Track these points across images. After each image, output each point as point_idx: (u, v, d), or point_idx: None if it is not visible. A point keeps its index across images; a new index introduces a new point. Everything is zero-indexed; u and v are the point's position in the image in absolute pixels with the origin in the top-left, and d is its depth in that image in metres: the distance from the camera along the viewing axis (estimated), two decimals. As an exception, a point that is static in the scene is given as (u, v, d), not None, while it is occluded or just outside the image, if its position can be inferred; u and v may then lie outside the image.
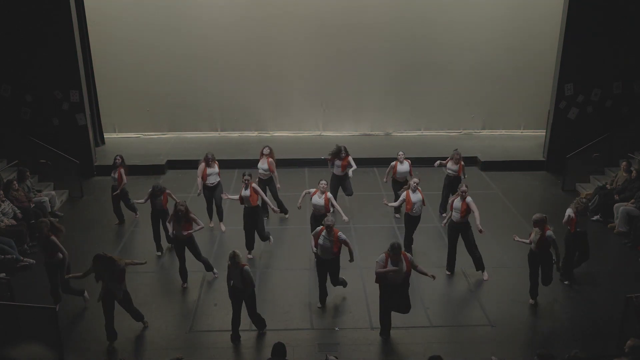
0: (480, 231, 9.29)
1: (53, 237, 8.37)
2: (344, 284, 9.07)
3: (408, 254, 7.93)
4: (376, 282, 7.87)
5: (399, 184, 11.16)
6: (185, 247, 9.26)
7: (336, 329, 8.35)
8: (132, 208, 11.72)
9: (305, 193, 10.14)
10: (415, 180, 9.97)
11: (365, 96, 16.68)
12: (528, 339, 8.17)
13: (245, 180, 10.12)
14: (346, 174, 11.59)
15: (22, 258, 9.94)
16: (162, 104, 16.51)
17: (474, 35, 16.13)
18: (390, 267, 7.63)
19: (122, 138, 16.60)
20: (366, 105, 16.80)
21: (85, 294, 8.81)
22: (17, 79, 13.40)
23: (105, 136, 16.21)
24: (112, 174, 11.43)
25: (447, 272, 9.74)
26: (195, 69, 16.18)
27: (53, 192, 12.31)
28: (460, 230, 9.53)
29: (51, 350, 7.42)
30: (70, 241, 10.92)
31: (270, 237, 10.58)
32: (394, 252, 7.60)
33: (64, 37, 13.21)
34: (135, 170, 14.28)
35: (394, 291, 7.86)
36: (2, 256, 9.67)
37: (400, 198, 10.09)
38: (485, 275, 9.61)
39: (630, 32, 13.54)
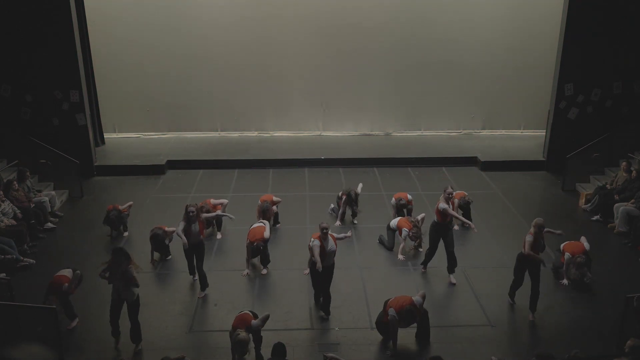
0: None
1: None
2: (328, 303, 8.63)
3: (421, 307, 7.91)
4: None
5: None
6: (194, 254, 9.04)
7: (336, 329, 8.35)
8: (125, 225, 11.33)
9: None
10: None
11: (365, 96, 16.68)
12: (528, 339, 8.17)
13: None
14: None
15: (22, 258, 9.93)
16: (162, 104, 16.51)
17: (474, 35, 16.14)
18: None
19: (122, 138, 16.60)
20: (366, 105, 16.80)
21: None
22: (17, 79, 13.39)
23: (105, 136, 16.20)
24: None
25: (423, 270, 9.82)
26: (195, 69, 16.18)
27: (53, 192, 12.30)
28: (447, 230, 9.50)
29: (51, 350, 7.42)
30: (70, 241, 10.99)
31: (268, 266, 10.02)
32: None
33: (64, 37, 13.20)
34: (135, 170, 14.35)
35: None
36: (2, 256, 9.67)
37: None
38: (453, 279, 9.51)
39: (630, 32, 13.53)
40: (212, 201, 11.11)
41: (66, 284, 8.30)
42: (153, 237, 10.13)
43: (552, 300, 8.95)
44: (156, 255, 10.27)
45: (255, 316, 7.60)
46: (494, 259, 10.28)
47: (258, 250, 9.67)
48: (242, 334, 7.13)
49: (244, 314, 7.57)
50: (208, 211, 10.37)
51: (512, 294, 8.84)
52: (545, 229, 8.38)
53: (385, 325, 7.86)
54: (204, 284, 9.20)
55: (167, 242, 10.27)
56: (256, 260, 10.02)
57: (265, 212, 10.78)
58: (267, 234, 9.75)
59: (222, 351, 7.82)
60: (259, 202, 11.06)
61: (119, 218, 11.04)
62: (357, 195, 11.58)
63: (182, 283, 9.52)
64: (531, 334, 8.28)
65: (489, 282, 9.52)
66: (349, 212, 11.71)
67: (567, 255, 9.37)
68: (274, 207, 11.31)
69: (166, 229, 10.31)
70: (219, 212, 10.63)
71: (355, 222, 11.66)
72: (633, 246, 10.64)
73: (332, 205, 12.04)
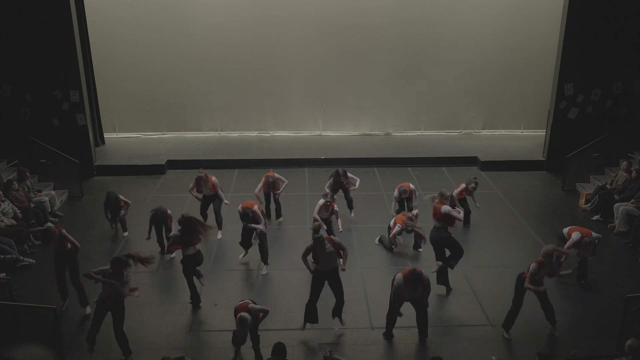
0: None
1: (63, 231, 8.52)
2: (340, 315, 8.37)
3: (426, 275, 7.86)
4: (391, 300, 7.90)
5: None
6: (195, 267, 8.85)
7: (336, 329, 8.35)
8: (124, 225, 11.33)
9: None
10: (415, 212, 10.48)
11: (365, 96, 16.69)
12: (528, 339, 8.16)
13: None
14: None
15: (22, 258, 9.94)
16: (162, 104, 16.52)
17: (474, 35, 16.14)
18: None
19: (122, 138, 16.62)
20: (366, 105, 16.81)
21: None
22: (17, 79, 13.40)
23: (105, 136, 16.22)
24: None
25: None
26: (195, 69, 16.19)
27: (53, 192, 12.31)
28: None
29: (51, 350, 7.42)
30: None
31: (267, 267, 10.03)
32: (413, 278, 7.62)
33: (64, 37, 13.21)
34: (135, 170, 14.36)
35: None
36: (2, 256, 9.68)
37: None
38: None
39: (630, 31, 13.54)
40: (213, 179, 11.07)
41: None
42: (155, 215, 10.24)
43: (552, 300, 8.91)
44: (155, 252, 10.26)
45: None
46: (494, 259, 10.28)
47: (246, 217, 9.60)
48: (244, 313, 7.27)
49: (245, 302, 7.61)
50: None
51: (509, 324, 8.15)
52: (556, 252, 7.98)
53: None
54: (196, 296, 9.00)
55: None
56: (254, 259, 10.01)
57: (272, 186, 11.02)
58: (261, 226, 9.69)
59: (222, 351, 7.83)
60: (263, 177, 11.26)
61: (117, 204, 11.02)
62: (345, 171, 11.36)
63: (182, 283, 9.49)
64: (531, 334, 8.28)
65: (489, 282, 9.53)
66: (348, 212, 11.66)
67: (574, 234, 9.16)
68: (281, 188, 11.42)
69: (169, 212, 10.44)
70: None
71: (352, 214, 11.64)
72: (633, 246, 10.64)
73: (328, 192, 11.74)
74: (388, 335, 8.11)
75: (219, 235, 11.13)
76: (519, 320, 8.51)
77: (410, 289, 7.70)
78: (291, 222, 11.74)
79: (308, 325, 8.35)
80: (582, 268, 9.42)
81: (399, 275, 7.72)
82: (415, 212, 10.71)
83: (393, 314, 7.97)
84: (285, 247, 10.72)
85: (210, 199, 11.12)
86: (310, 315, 8.24)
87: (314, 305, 8.21)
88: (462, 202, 11.43)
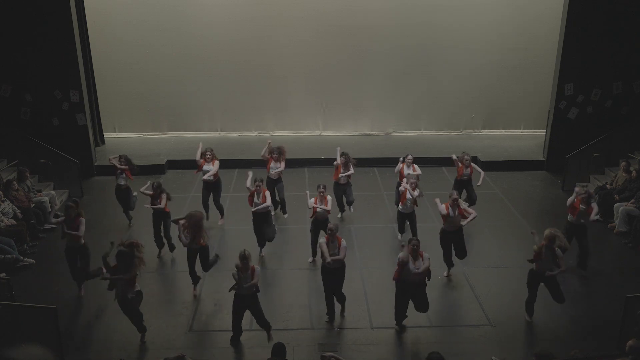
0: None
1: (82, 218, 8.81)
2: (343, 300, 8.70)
3: (425, 253, 8.01)
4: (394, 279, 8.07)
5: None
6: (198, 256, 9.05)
7: (336, 328, 8.35)
8: (128, 215, 11.59)
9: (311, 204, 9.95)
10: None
11: (365, 96, 16.67)
12: (528, 339, 8.17)
13: (257, 185, 10.02)
14: (348, 182, 11.56)
15: (22, 258, 9.94)
16: (162, 104, 16.51)
17: (474, 35, 16.12)
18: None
19: (122, 138, 16.60)
20: (366, 105, 16.80)
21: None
22: (17, 79, 13.39)
23: (105, 136, 16.21)
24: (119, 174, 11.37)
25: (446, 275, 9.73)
26: (195, 69, 16.17)
27: (53, 192, 12.31)
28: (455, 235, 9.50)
29: (51, 350, 7.42)
30: (70, 241, 10.97)
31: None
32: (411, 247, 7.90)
33: (64, 37, 13.21)
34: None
35: (409, 290, 7.96)
36: (2, 256, 9.68)
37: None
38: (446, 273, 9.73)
39: (630, 31, 13.54)
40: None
41: None
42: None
43: (552, 300, 8.93)
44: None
45: None
46: (494, 259, 10.28)
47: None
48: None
49: None
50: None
51: (529, 310, 8.53)
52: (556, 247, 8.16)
53: None
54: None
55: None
56: (253, 259, 9.99)
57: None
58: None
59: (222, 351, 7.84)
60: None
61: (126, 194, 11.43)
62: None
63: (182, 283, 9.52)
64: (531, 334, 8.29)
65: (489, 282, 9.53)
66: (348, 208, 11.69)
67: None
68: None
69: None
70: None
71: (352, 210, 11.70)
72: (633, 246, 10.64)
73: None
74: (398, 321, 8.26)
75: (220, 222, 11.45)
76: (519, 320, 8.56)
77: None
78: (291, 222, 11.75)
79: (308, 325, 8.39)
80: (583, 257, 9.47)
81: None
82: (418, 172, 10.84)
83: (399, 304, 8.09)
84: (285, 248, 10.71)
85: (211, 188, 11.32)
86: (329, 308, 8.48)
87: (329, 299, 8.44)
88: (466, 186, 11.54)
